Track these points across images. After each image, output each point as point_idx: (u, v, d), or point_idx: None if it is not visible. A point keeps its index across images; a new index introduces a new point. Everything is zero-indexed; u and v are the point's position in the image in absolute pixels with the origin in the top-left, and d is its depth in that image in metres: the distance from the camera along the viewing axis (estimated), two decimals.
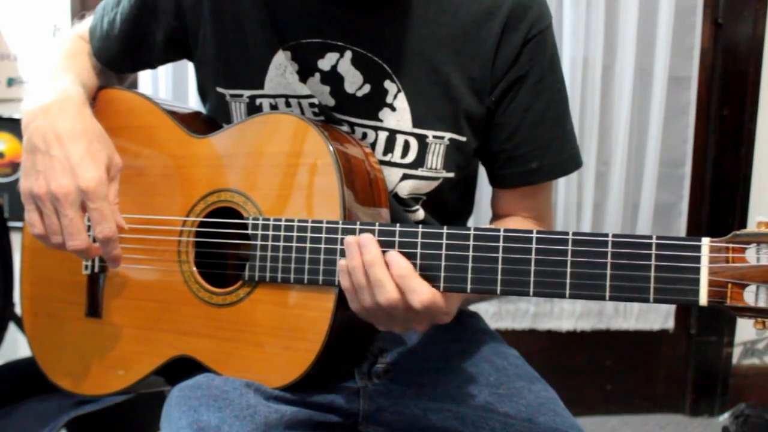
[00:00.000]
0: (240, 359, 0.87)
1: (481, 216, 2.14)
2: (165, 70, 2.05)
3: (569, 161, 0.99)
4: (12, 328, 1.57)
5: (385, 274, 0.74)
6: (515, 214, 1.02)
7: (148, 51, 1.04)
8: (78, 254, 0.88)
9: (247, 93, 0.95)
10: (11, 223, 1.55)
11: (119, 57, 1.05)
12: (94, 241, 0.88)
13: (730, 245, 0.64)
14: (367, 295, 0.75)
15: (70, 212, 0.85)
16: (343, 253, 0.79)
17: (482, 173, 1.09)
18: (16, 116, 2.02)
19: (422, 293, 0.73)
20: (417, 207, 0.97)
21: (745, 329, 2.31)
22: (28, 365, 1.44)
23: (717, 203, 2.26)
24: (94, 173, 0.86)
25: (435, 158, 0.94)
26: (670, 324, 2.30)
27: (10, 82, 2.02)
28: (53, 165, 0.86)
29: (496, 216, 1.05)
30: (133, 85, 2.07)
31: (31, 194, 0.88)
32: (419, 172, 0.94)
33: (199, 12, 0.96)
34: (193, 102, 2.00)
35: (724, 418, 2.20)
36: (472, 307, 1.14)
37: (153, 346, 0.94)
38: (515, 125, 0.95)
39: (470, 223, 1.17)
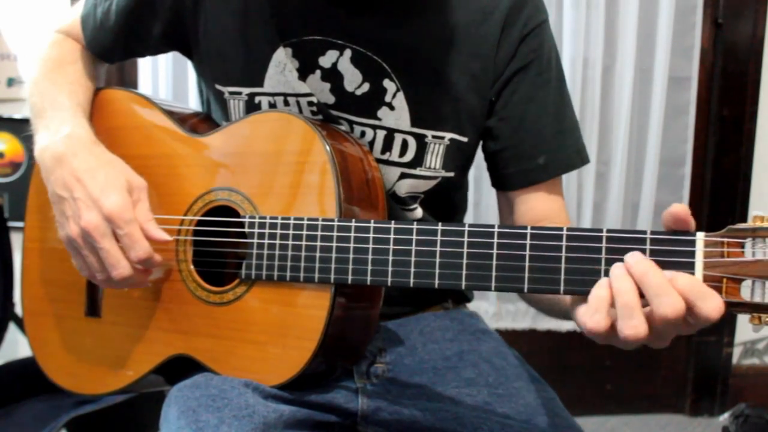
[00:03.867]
0: (237, 358, 0.87)
1: (480, 216, 2.14)
2: (165, 70, 2.06)
3: (575, 156, 0.98)
4: (12, 328, 1.58)
5: (666, 281, 0.62)
6: (544, 222, 0.98)
7: (143, 43, 1.03)
8: (125, 284, 0.88)
9: (245, 91, 0.95)
10: (11, 223, 1.55)
11: (111, 48, 1.04)
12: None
13: (726, 239, 0.63)
14: (636, 318, 0.62)
15: (105, 244, 0.85)
16: (339, 250, 0.79)
17: (484, 173, 1.09)
18: (16, 116, 2.02)
19: (717, 299, 0.61)
20: (415, 206, 0.97)
21: (745, 329, 2.31)
22: (28, 365, 1.44)
23: (717, 203, 2.26)
24: (115, 198, 0.85)
25: (434, 158, 0.95)
26: None
27: (10, 82, 2.03)
28: (78, 206, 0.86)
29: None
30: (133, 85, 2.07)
31: (69, 240, 0.88)
32: (417, 171, 0.95)
33: (199, 8, 0.96)
34: (193, 101, 2.00)
35: (724, 418, 2.20)
36: (471, 306, 1.14)
37: (151, 345, 0.94)
38: (518, 119, 0.95)
39: (468, 220, 1.17)
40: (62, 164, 0.89)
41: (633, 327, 0.62)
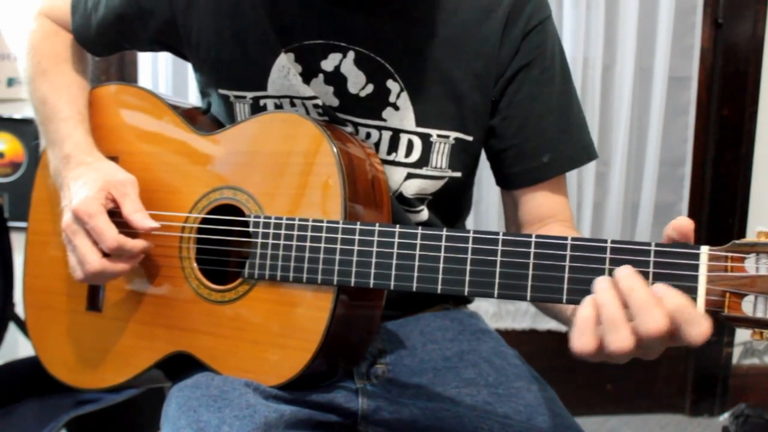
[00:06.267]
0: (237, 357, 0.87)
1: (481, 216, 2.14)
2: (165, 68, 2.06)
3: (580, 152, 0.97)
4: (12, 328, 1.58)
5: (650, 297, 0.60)
6: (553, 220, 0.98)
7: (129, 43, 1.05)
8: (103, 278, 0.92)
9: (250, 95, 0.95)
10: (11, 223, 1.55)
11: (96, 41, 1.05)
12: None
13: (729, 254, 0.63)
14: (622, 331, 0.61)
15: (75, 241, 0.89)
16: (342, 252, 0.79)
17: (484, 172, 1.08)
18: (16, 116, 2.02)
19: (704, 325, 0.60)
20: (422, 207, 0.97)
21: (745, 329, 2.31)
22: (28, 365, 1.44)
23: (717, 203, 2.26)
24: (81, 196, 0.89)
25: (440, 157, 0.94)
26: None
27: (10, 82, 2.03)
28: (65, 212, 0.92)
29: (529, 224, 0.99)
30: (134, 80, 2.07)
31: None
32: (424, 171, 0.94)
33: (191, 17, 0.95)
34: (193, 98, 2.00)
35: (724, 418, 2.20)
36: (472, 306, 1.14)
37: (152, 342, 0.95)
38: (522, 118, 0.95)
39: (470, 222, 1.16)
40: (64, 180, 0.95)
41: (619, 341, 0.60)
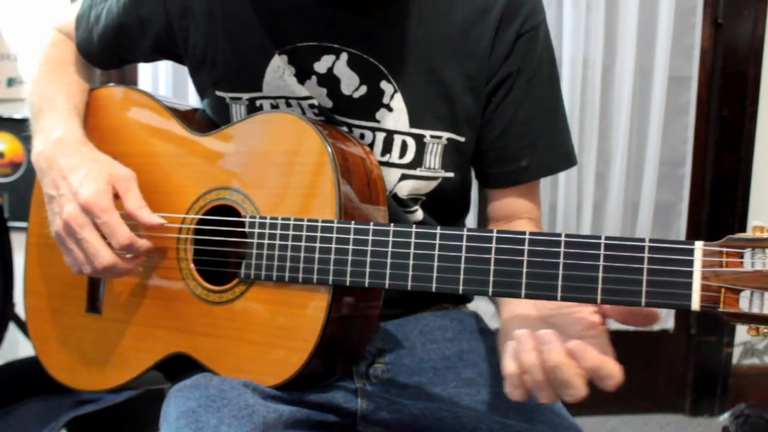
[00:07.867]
0: (235, 357, 0.87)
1: None
2: (165, 68, 2.06)
3: (559, 159, 0.98)
4: (12, 328, 1.58)
5: (574, 371, 0.65)
6: (518, 218, 1.01)
7: (131, 54, 1.06)
8: (111, 274, 0.90)
9: (246, 96, 0.96)
10: (12, 223, 1.56)
11: (99, 53, 1.06)
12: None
13: (725, 249, 0.62)
14: (546, 391, 0.67)
15: (84, 234, 0.88)
16: (337, 252, 0.79)
17: None
18: (16, 116, 2.02)
19: (615, 376, 0.65)
20: (416, 207, 0.97)
21: (745, 329, 2.31)
22: (28, 365, 1.45)
23: (717, 203, 2.26)
24: (91, 188, 0.88)
25: (433, 158, 0.95)
26: (670, 324, 2.30)
27: (10, 82, 2.03)
28: (62, 201, 0.90)
29: (495, 220, 1.03)
30: (133, 82, 2.07)
31: (57, 236, 0.92)
32: (417, 172, 0.94)
33: (186, 21, 0.96)
34: (192, 99, 2.00)
35: (724, 418, 2.20)
36: (471, 306, 1.14)
37: (151, 343, 0.95)
38: (506, 122, 0.95)
39: (470, 222, 1.17)
40: (52, 166, 0.93)
41: (545, 398, 0.67)
